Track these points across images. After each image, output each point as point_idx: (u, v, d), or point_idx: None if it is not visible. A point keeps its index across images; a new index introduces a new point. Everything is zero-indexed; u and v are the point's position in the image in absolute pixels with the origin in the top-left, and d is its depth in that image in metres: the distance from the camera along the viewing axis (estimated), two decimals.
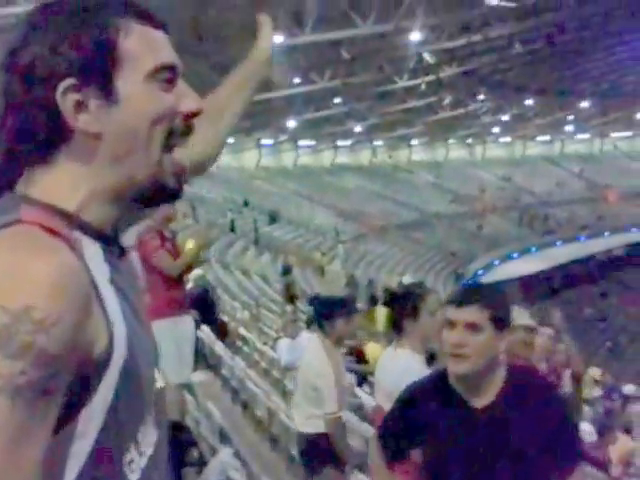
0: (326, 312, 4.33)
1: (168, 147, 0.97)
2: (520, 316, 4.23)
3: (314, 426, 4.22)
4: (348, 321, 4.30)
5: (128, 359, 0.89)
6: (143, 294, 1.11)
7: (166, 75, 0.96)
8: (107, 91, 0.93)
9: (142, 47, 0.95)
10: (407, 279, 15.83)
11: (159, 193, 0.99)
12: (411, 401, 2.27)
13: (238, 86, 1.51)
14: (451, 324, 2.09)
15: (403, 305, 3.47)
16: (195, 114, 1.00)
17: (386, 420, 2.41)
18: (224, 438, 5.58)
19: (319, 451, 4.22)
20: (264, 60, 1.55)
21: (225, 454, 4.44)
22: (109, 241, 0.97)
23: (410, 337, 3.44)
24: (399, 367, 3.36)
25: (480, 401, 2.09)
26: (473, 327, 2.05)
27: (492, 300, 2.11)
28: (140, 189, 0.97)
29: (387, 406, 3.25)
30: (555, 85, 37.03)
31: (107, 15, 0.94)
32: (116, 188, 0.95)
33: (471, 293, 2.16)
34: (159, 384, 1.04)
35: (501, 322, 2.09)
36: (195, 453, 4.99)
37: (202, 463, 4.85)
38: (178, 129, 0.98)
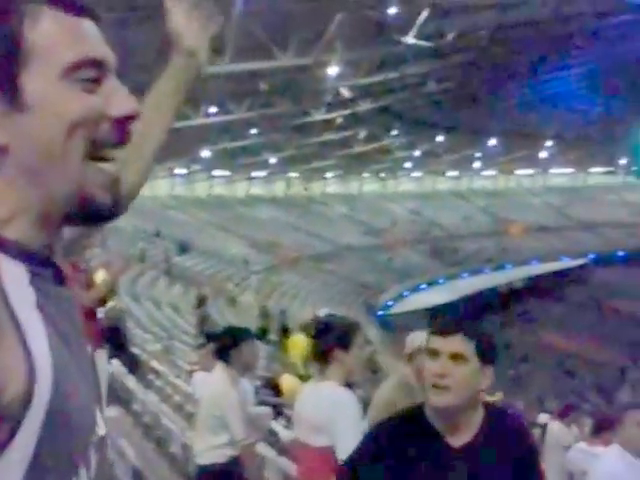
0: (232, 341, 4.32)
1: (94, 158, 0.80)
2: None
3: (212, 457, 4.17)
4: (252, 347, 4.34)
5: (55, 400, 0.72)
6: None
7: (90, 72, 0.79)
8: (11, 94, 0.76)
9: (58, 38, 0.77)
10: (325, 311, 15.85)
11: (90, 211, 0.82)
12: (382, 437, 2.10)
13: (162, 98, 1.33)
14: (434, 353, 1.97)
15: (335, 335, 3.38)
16: (128, 118, 0.82)
17: (352, 458, 2.23)
18: (138, 478, 5.38)
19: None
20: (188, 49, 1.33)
21: None
22: (41, 263, 0.81)
23: (337, 369, 3.35)
24: (327, 400, 3.28)
25: (458, 440, 1.99)
26: (458, 358, 1.95)
27: (477, 332, 2.01)
28: (66, 208, 0.81)
29: (313, 440, 3.23)
30: (465, 123, 38.38)
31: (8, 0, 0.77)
32: (38, 207, 0.80)
33: (456, 323, 2.05)
34: (101, 431, 0.93)
35: (486, 355, 1.99)
36: None
37: None
38: (107, 137, 0.81)
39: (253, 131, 31.59)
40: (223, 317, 21.55)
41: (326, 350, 3.35)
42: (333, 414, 3.17)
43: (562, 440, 7.44)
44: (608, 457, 3.65)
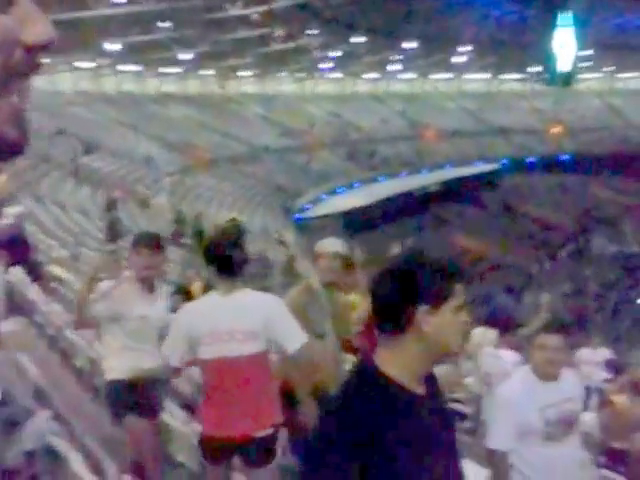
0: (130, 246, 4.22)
1: (2, 88, 0.67)
2: (332, 244, 4.33)
3: (119, 372, 4.10)
4: (137, 254, 4.06)
5: None
6: None
7: None
8: None
9: None
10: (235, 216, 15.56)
11: None
12: (363, 408, 1.79)
13: None
14: (463, 305, 1.89)
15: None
16: (44, 46, 0.68)
17: (330, 439, 1.78)
18: (41, 394, 5.10)
19: (122, 397, 4.10)
20: None
21: (41, 419, 4.02)
22: None
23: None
24: (256, 305, 3.34)
25: (420, 388, 1.88)
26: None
27: None
28: None
29: (246, 349, 3.28)
30: (384, 24, 37.64)
31: None
32: None
33: None
34: None
35: None
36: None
37: (13, 424, 4.36)
38: (18, 66, 0.67)
39: (164, 24, 29.98)
40: (135, 222, 20.92)
41: (243, 259, 3.41)
42: (269, 314, 3.29)
43: (484, 343, 7.65)
44: (512, 380, 3.68)
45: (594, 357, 10.12)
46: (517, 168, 47.48)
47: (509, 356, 5.95)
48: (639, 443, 5.97)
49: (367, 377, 1.84)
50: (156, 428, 4.10)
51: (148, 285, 4.10)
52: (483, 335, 7.94)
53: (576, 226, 40.14)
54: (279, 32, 35.17)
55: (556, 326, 3.60)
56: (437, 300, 1.83)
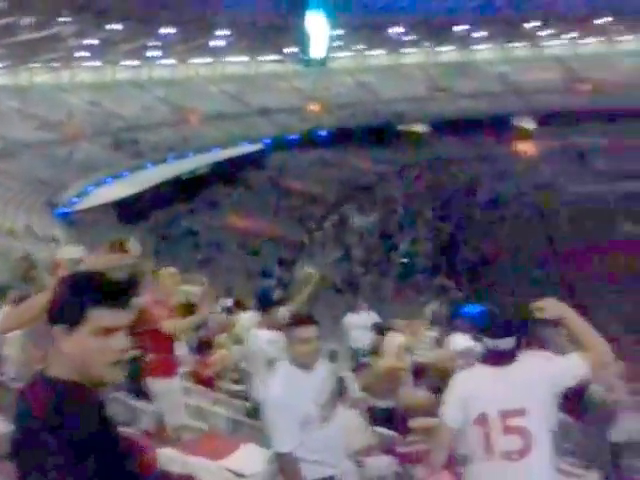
0: None
1: None
2: (69, 252, 4.56)
3: None
4: None
5: None
6: None
7: None
8: None
9: None
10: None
11: None
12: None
13: None
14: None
15: None
16: None
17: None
18: None
19: None
20: None
21: None
22: None
23: None
24: None
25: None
26: None
27: None
28: None
29: None
30: (139, 11, 37.40)
31: None
32: None
33: None
34: None
35: None
36: None
37: None
38: None
39: None
40: None
41: None
42: None
43: (251, 326, 8.10)
44: (274, 382, 3.69)
45: (363, 321, 10.56)
46: (280, 146, 49.55)
47: (265, 335, 6.24)
48: (404, 399, 6.50)
49: (66, 388, 1.78)
50: None
51: None
52: (250, 319, 8.57)
53: (336, 197, 43.11)
54: (27, 21, 33.65)
55: (305, 318, 3.70)
56: (71, 321, 1.74)
